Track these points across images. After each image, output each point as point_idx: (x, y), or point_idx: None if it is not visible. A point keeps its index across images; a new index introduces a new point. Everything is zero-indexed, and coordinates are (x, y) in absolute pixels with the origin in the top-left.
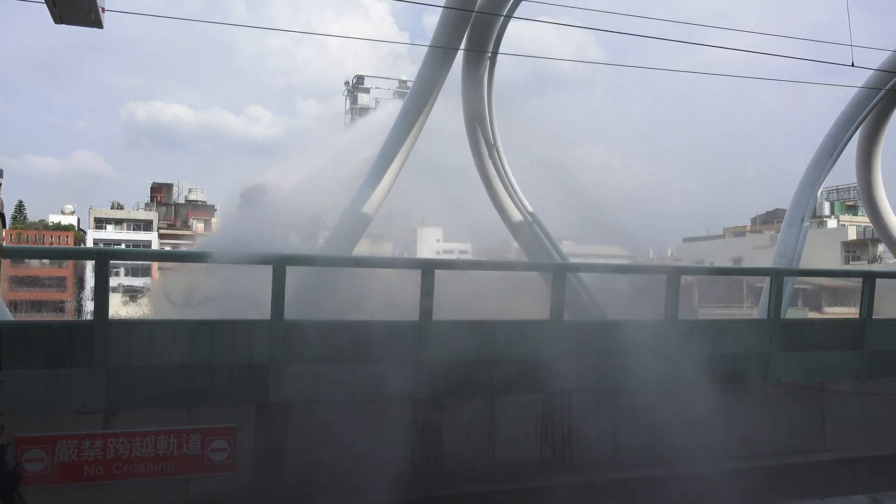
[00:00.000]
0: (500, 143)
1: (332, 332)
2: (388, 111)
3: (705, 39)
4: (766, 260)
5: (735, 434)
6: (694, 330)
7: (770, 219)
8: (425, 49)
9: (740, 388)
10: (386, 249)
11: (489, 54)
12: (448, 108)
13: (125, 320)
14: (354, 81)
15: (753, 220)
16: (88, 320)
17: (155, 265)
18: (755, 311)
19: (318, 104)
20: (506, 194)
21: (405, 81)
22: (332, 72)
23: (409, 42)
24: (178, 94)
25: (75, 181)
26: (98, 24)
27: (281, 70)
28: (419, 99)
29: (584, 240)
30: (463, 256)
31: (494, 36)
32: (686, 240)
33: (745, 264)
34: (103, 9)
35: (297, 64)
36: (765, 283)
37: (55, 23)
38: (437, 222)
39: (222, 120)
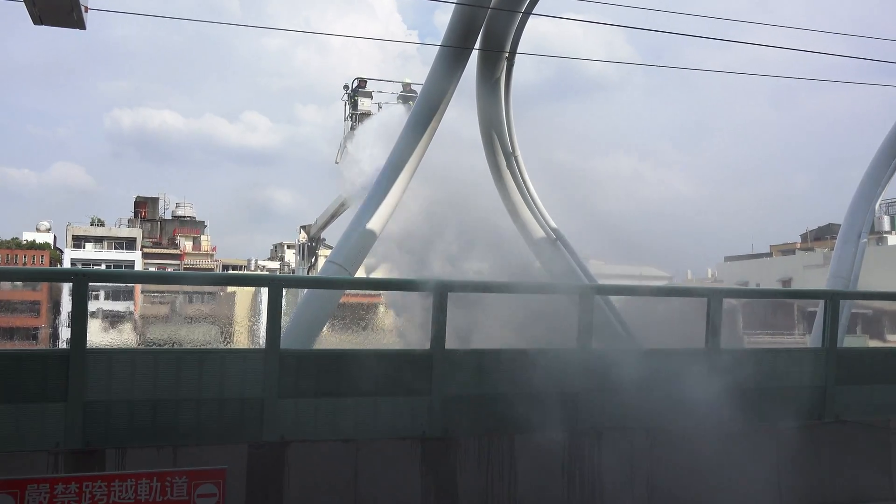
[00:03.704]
0: (519, 152)
1: (332, 362)
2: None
3: (746, 36)
4: (820, 281)
5: (787, 480)
6: (739, 360)
7: (823, 235)
8: (436, 49)
9: (793, 426)
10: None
11: (506, 54)
12: (462, 114)
13: (105, 349)
14: (355, 85)
15: (804, 237)
16: (64, 349)
17: (138, 288)
18: (808, 338)
19: (319, 110)
20: (525, 208)
21: (409, 84)
22: (334, 75)
23: (418, 42)
24: (167, 99)
25: (54, 195)
26: (80, 24)
27: (279, 73)
28: (429, 104)
29: (614, 259)
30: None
31: (512, 34)
32: (728, 259)
33: (796, 286)
34: (86, 8)
35: (296, 66)
36: (818, 307)
37: (34, 23)
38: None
39: (215, 127)
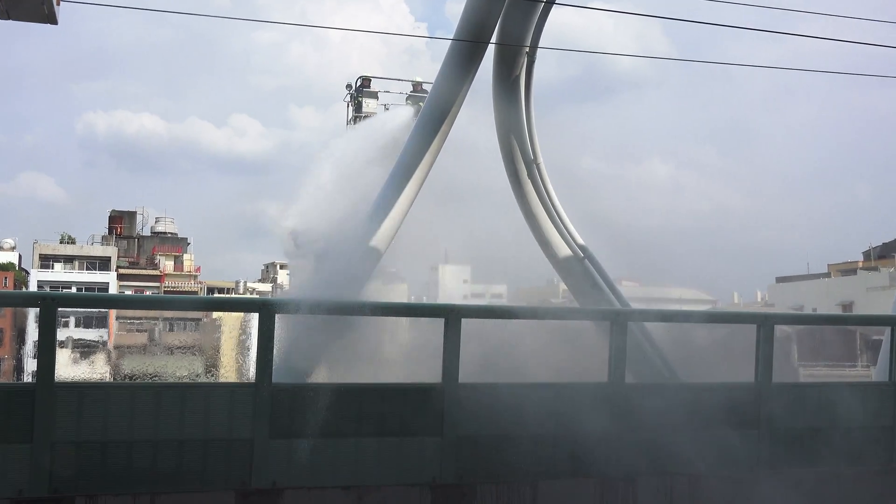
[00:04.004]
0: (541, 160)
1: (331, 398)
2: (400, 117)
3: (798, 27)
4: (886, 305)
5: None
6: (793, 396)
7: (889, 252)
8: (447, 44)
9: (857, 472)
10: (400, 293)
11: (527, 50)
12: (477, 117)
13: (75, 384)
14: (359, 84)
15: (867, 255)
16: (29, 383)
17: (113, 314)
18: (872, 371)
19: (316, 112)
20: (549, 223)
21: (420, 84)
22: (333, 73)
23: (427, 35)
24: (147, 101)
25: (19, 209)
26: (52, 19)
27: (271, 71)
28: (440, 106)
29: (650, 280)
30: (496, 301)
31: (533, 27)
32: (780, 280)
33: (858, 310)
34: (58, 0)
35: (290, 63)
36: (884, 335)
37: (1, 18)
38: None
39: (200, 132)
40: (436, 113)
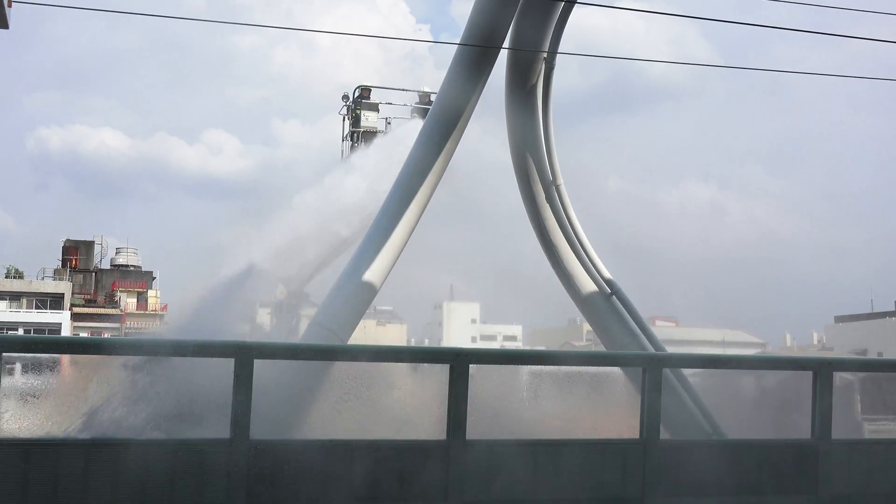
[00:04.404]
0: (561, 181)
1: (321, 457)
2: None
3: (856, 30)
4: None
5: None
6: (857, 454)
7: None
8: (453, 49)
9: None
10: (398, 334)
11: (544, 55)
12: (488, 131)
13: (22, 441)
14: (357, 95)
15: None
16: None
17: (66, 360)
18: None
19: (303, 127)
20: (571, 253)
21: (428, 94)
22: (323, 82)
23: (430, 39)
24: (108, 114)
25: None
26: (2, 22)
27: (252, 80)
28: (445, 119)
29: (689, 320)
30: (510, 344)
31: (552, 29)
32: (840, 319)
33: None
34: (10, 1)
35: (273, 71)
36: None
37: None
38: (472, 295)
39: (170, 150)
40: (440, 127)
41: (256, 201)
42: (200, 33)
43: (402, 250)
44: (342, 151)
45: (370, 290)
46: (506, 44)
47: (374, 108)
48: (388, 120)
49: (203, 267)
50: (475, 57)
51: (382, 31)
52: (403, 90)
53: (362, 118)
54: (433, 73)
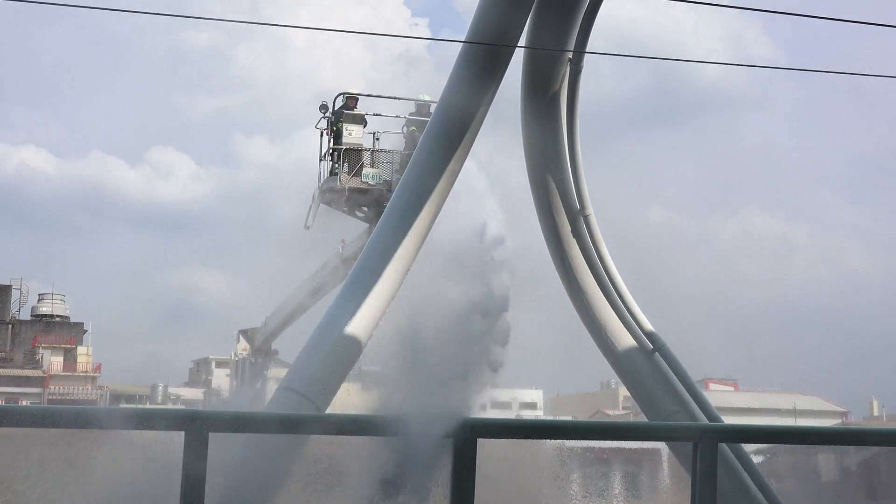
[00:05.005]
0: (591, 210)
1: None
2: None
3: None
4: None
5: None
6: None
7: None
8: (457, 48)
9: None
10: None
11: (569, 55)
12: (500, 150)
13: None
14: (340, 105)
15: None
16: None
17: None
18: None
19: (272, 144)
20: (604, 300)
21: (428, 104)
22: (296, 88)
23: (429, 37)
24: (30, 129)
25: None
26: None
27: (208, 86)
28: (447, 135)
29: (751, 382)
30: (529, 413)
31: (577, 24)
32: None
33: None
34: None
35: (235, 75)
36: None
37: None
38: None
39: (107, 172)
40: (441, 144)
41: (214, 236)
42: (145, 28)
43: (394, 295)
44: (319, 174)
45: (354, 346)
46: (521, 42)
47: (360, 120)
48: (376, 135)
49: (147, 318)
50: (483, 58)
51: (370, 26)
52: (395, 98)
53: (344, 133)
54: (433, 78)
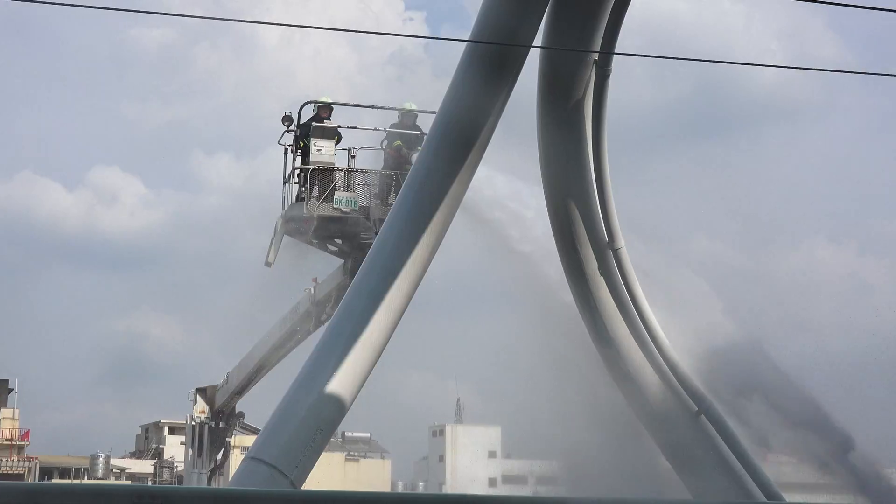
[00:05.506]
0: (622, 242)
1: None
2: None
3: None
4: None
5: None
6: None
7: None
8: (461, 47)
9: None
10: (379, 473)
11: (595, 57)
12: (511, 169)
13: None
14: (311, 117)
15: None
16: None
17: None
18: None
19: (237, 164)
20: (638, 351)
21: (413, 112)
22: (267, 96)
23: (426, 35)
24: None
25: None
26: None
27: (160, 94)
28: (448, 152)
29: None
30: (547, 490)
31: (605, 19)
32: None
33: None
34: None
35: (193, 80)
36: None
37: None
38: (489, 414)
39: (39, 197)
40: (442, 161)
41: (168, 275)
42: (85, 24)
43: (384, 345)
44: (284, 198)
45: (335, 409)
46: (537, 41)
47: (332, 134)
48: (351, 152)
49: (86, 375)
50: (492, 60)
51: (356, 21)
52: (374, 108)
53: (312, 150)
54: (431, 83)
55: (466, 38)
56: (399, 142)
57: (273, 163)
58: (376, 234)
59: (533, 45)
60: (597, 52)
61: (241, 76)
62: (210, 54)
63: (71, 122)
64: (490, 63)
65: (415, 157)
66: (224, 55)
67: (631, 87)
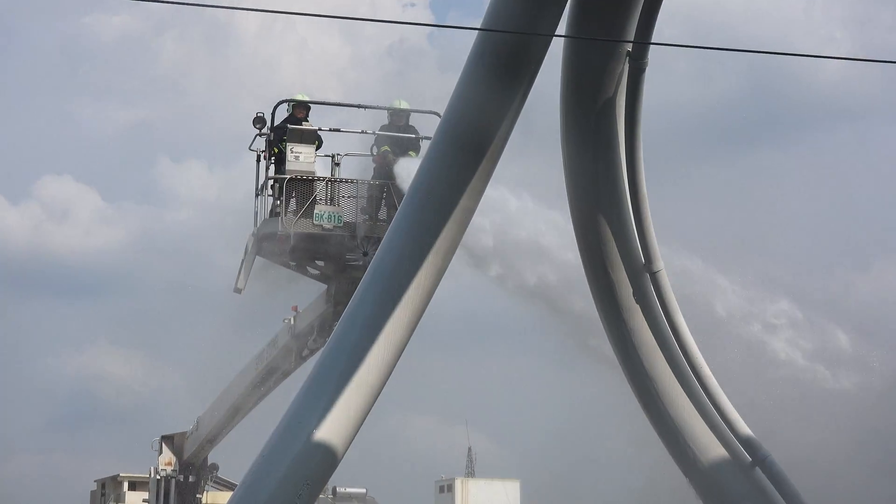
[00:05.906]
0: (661, 265)
1: None
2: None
3: None
4: None
5: None
6: None
7: None
8: (471, 37)
9: None
10: None
11: (628, 48)
12: (530, 181)
13: None
14: (285, 118)
15: None
16: None
17: None
18: None
19: (210, 172)
20: (681, 392)
21: (406, 112)
22: (245, 95)
23: (430, 22)
24: None
25: None
26: None
27: (121, 92)
28: (455, 160)
29: None
30: None
31: (640, 5)
32: None
33: None
34: None
35: (158, 75)
36: None
37: None
38: (507, 465)
39: None
40: (448, 171)
41: (128, 302)
42: (29, 10)
43: (382, 386)
44: (256, 213)
45: (325, 459)
46: (559, 30)
47: (312, 138)
48: (335, 159)
49: (32, 420)
50: (507, 52)
51: (350, 7)
52: (363, 107)
53: (289, 156)
54: (436, 80)
55: (477, 27)
56: (387, 146)
57: (252, 172)
58: (364, 254)
59: (556, 33)
60: (630, 41)
61: (214, 71)
62: (177, 45)
63: (14, 124)
64: (505, 56)
65: (402, 162)
66: (194, 46)
67: (671, 84)
